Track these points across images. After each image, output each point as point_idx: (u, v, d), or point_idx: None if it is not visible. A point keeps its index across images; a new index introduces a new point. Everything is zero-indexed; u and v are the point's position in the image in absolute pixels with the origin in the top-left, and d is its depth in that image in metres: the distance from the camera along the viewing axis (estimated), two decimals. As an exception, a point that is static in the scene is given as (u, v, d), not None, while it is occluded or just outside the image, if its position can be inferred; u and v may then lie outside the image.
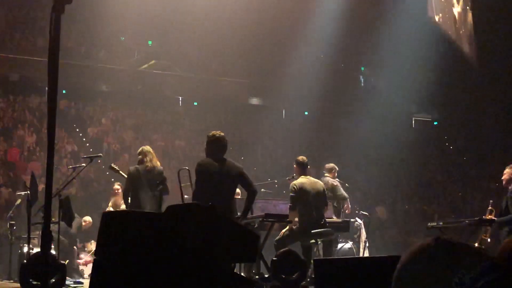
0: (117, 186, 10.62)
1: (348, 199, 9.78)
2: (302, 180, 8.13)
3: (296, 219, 8.00)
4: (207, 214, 3.35)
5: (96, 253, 3.33)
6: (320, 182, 8.48)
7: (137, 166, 8.28)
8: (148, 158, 8.27)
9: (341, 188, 9.64)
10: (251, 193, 6.89)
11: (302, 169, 8.28)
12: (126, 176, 8.43)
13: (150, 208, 7.82)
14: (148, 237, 3.06)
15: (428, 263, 1.43)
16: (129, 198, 8.19)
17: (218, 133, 6.88)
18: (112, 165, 9.36)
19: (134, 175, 8.17)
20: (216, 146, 6.80)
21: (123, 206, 10.32)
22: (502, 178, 7.95)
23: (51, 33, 2.75)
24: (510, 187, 7.69)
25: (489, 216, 8.07)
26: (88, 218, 11.84)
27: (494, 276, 1.39)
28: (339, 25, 18.94)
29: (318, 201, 8.09)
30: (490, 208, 8.19)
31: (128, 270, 2.99)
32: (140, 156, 8.36)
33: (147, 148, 8.54)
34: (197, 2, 18.30)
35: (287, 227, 8.07)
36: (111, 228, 3.17)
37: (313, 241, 8.02)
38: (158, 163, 8.43)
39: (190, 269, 2.98)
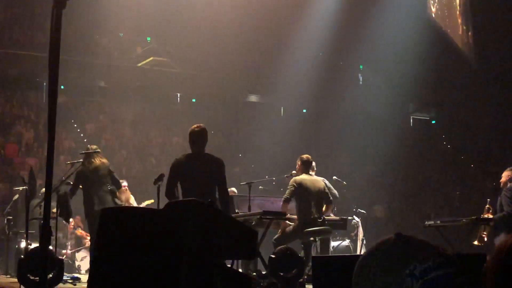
0: (125, 183, 10.61)
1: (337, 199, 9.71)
2: (304, 177, 8.14)
3: (294, 216, 8.03)
4: (206, 211, 3.35)
5: (95, 248, 3.34)
6: (321, 180, 8.48)
7: (82, 167, 8.40)
8: (91, 158, 8.37)
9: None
10: (224, 198, 6.40)
11: (306, 167, 8.28)
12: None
13: (106, 205, 7.90)
14: (147, 233, 3.07)
15: (384, 257, 1.46)
16: (85, 198, 8.30)
17: (194, 127, 6.52)
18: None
19: (81, 176, 8.33)
20: (192, 141, 6.49)
21: (132, 201, 10.45)
22: (500, 180, 8.00)
23: (52, 28, 2.75)
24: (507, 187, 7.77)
25: (487, 215, 8.11)
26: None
27: (446, 271, 1.42)
28: (337, 23, 18.93)
29: (319, 199, 8.11)
30: (487, 206, 8.22)
31: (126, 266, 2.99)
32: (84, 156, 8.45)
33: (93, 147, 8.64)
34: (196, -1, 18.30)
35: (283, 226, 8.12)
36: (110, 224, 3.18)
37: (312, 238, 8.04)
38: (104, 160, 8.49)
39: (188, 265, 2.99)
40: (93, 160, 8.39)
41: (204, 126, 6.56)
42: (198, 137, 6.47)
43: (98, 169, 8.35)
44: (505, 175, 7.94)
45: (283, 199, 8.09)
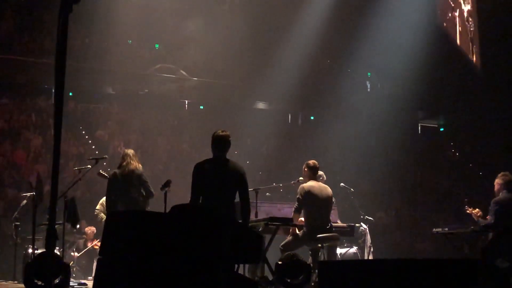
0: None
1: None
2: (312, 184, 8.13)
3: (301, 219, 8.03)
4: (211, 215, 3.36)
5: (100, 252, 3.34)
6: (328, 187, 8.48)
7: (115, 170, 8.43)
8: (126, 162, 8.39)
9: None
10: (245, 205, 6.38)
11: (313, 173, 8.27)
12: None
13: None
14: (152, 237, 3.07)
15: None
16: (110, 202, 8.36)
17: (218, 132, 6.46)
18: (100, 171, 9.32)
19: (111, 179, 8.35)
20: (214, 145, 6.43)
21: None
22: (494, 189, 8.06)
23: (59, 33, 2.76)
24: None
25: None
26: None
27: None
28: (345, 30, 18.95)
29: (326, 206, 8.10)
30: (466, 200, 8.35)
31: (132, 269, 2.99)
32: (121, 160, 8.50)
33: (127, 151, 8.67)
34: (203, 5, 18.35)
35: (291, 232, 8.10)
36: (116, 228, 3.18)
37: (319, 245, 8.03)
38: (139, 166, 8.47)
39: (194, 269, 2.99)
40: (127, 163, 8.39)
41: (228, 132, 6.48)
42: (220, 142, 6.40)
43: (131, 174, 8.34)
44: (496, 183, 7.98)
45: (293, 209, 8.08)
